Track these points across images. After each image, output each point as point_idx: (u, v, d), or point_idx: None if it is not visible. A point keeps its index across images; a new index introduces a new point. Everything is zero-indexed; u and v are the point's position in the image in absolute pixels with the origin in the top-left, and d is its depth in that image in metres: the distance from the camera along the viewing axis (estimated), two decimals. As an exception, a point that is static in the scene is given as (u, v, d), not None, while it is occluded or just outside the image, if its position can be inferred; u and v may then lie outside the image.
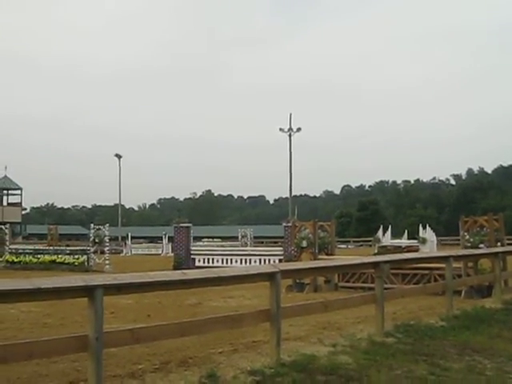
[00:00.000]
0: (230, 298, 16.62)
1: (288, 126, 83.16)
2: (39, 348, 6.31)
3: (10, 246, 37.39)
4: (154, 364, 8.44)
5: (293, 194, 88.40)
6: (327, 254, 21.97)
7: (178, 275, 7.88)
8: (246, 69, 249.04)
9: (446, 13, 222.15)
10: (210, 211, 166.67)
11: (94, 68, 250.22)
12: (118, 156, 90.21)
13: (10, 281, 6.18)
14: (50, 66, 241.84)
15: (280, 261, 26.48)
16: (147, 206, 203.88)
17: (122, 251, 58.60)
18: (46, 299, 6.56)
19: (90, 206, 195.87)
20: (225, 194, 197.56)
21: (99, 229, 34.26)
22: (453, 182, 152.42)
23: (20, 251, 36.44)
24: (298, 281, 19.61)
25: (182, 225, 32.05)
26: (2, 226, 38.11)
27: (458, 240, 21.39)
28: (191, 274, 8.10)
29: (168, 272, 9.75)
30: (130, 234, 62.77)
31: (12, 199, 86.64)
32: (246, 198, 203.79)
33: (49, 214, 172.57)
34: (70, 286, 6.33)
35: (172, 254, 38.74)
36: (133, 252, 58.31)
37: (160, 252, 57.43)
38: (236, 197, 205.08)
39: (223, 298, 16.49)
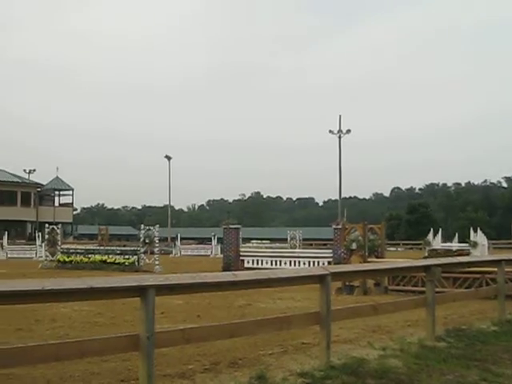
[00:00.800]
0: (279, 300, 16.59)
1: (338, 128, 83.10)
2: (92, 346, 6.37)
3: (62, 246, 37.87)
4: (204, 364, 8.46)
5: (342, 195, 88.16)
6: (377, 257, 21.85)
7: (228, 276, 7.89)
8: (293, 70, 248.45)
9: None
10: (258, 213, 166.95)
11: (145, 77, 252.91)
12: (168, 158, 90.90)
13: (65, 280, 6.26)
14: (103, 78, 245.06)
15: (329, 263, 26.40)
16: (196, 208, 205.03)
17: (171, 252, 58.90)
18: (99, 298, 6.64)
19: (139, 207, 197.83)
20: (274, 195, 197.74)
21: (149, 229, 34.48)
22: (505, 184, 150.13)
23: (71, 251, 36.84)
24: (347, 283, 19.51)
25: (231, 226, 32.08)
26: (54, 226, 38.64)
27: (510, 243, 21.11)
28: (241, 275, 8.11)
29: (219, 273, 9.77)
30: (179, 235, 63.06)
31: (64, 200, 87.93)
32: (294, 199, 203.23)
33: (99, 215, 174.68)
34: (123, 286, 6.39)
35: (221, 256, 38.88)
36: (182, 253, 58.54)
37: (209, 253, 57.61)
38: (285, 198, 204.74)
39: (272, 300, 16.47)
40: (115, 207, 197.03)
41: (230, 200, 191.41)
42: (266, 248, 42.22)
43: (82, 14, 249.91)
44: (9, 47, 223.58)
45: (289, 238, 55.59)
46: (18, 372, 7.62)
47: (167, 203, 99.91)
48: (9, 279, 7.65)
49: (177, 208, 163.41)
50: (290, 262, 30.10)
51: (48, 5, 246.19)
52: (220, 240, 48.21)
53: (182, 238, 63.77)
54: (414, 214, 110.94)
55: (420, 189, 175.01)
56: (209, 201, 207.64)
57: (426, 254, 31.43)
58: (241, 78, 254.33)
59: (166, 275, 7.21)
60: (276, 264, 30.35)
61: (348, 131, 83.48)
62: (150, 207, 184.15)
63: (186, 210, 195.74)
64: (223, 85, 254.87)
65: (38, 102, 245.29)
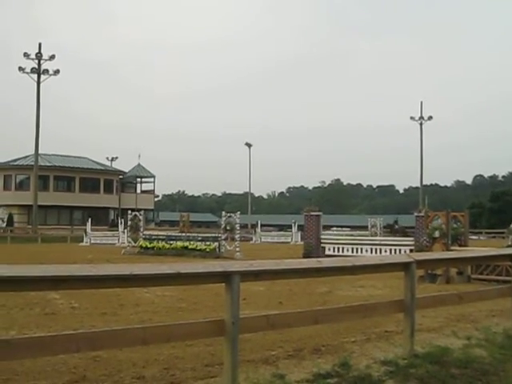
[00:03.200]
0: (360, 288, 16.47)
1: (419, 114, 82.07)
2: (177, 331, 6.45)
3: (144, 232, 38.42)
4: (287, 351, 8.47)
5: (423, 183, 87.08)
6: (460, 246, 21.44)
7: (312, 263, 7.87)
8: (373, 53, 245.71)
9: None
10: (338, 200, 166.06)
11: (230, 64, 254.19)
12: (248, 145, 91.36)
13: (151, 265, 6.34)
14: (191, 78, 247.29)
15: (411, 251, 26.04)
16: (276, 195, 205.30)
17: (251, 239, 59.08)
18: (185, 284, 6.72)
19: (219, 194, 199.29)
20: (354, 182, 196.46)
21: (230, 216, 34.65)
22: None
23: (153, 237, 37.34)
24: (429, 271, 19.24)
25: (312, 213, 31.96)
26: (137, 213, 39.21)
27: None
28: (326, 262, 8.09)
29: (303, 260, 9.77)
30: (259, 222, 63.26)
31: (145, 187, 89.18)
32: (375, 186, 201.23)
33: (180, 202, 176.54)
34: (209, 272, 6.44)
35: (301, 243, 38.79)
36: (262, 240, 58.66)
37: (289, 240, 57.62)
38: (365, 186, 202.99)
39: (354, 288, 16.36)
40: (196, 194, 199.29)
41: (310, 187, 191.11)
42: (347, 235, 41.90)
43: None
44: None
45: (369, 226, 55.22)
46: (105, 355, 7.76)
47: (247, 190, 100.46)
48: (96, 264, 7.77)
49: (257, 195, 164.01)
50: (371, 249, 29.83)
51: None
52: (300, 227, 48.20)
53: (262, 225, 63.94)
54: (496, 202, 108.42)
55: (503, 176, 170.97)
56: (289, 188, 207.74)
57: (510, 243, 30.79)
58: (319, 62, 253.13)
59: (250, 261, 7.22)
60: (357, 251, 30.12)
61: (429, 118, 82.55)
62: (229, 194, 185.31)
63: (265, 197, 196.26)
64: (302, 73, 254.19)
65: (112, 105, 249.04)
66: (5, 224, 70.25)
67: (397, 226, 63.83)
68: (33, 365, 7.22)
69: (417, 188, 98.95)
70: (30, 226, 68.15)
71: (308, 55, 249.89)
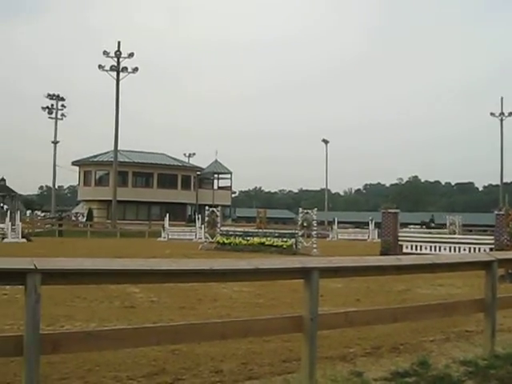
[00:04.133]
0: (439, 286, 16.22)
1: (499, 111, 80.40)
2: (256, 326, 6.49)
3: (221, 228, 38.64)
4: (365, 348, 8.43)
5: (504, 180, 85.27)
6: (543, 244, 20.97)
7: (392, 260, 7.82)
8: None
9: None
10: (416, 197, 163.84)
11: (296, 62, 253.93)
12: (325, 141, 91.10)
13: (230, 261, 6.40)
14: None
15: (490, 250, 25.58)
16: (353, 191, 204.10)
17: (328, 236, 58.85)
18: (264, 279, 6.75)
19: (296, 191, 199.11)
20: (432, 180, 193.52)
21: (307, 213, 34.60)
22: None
23: (230, 233, 37.51)
24: (510, 271, 18.84)
25: (390, 210, 31.70)
26: (214, 209, 39.48)
27: None
28: (405, 259, 8.03)
29: (382, 257, 9.72)
30: (336, 219, 62.98)
31: (222, 183, 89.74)
32: (453, 184, 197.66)
33: (256, 198, 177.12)
34: (288, 268, 6.46)
35: (378, 240, 38.48)
36: (339, 237, 58.41)
37: (366, 237, 57.23)
38: (443, 183, 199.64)
39: (432, 286, 16.12)
40: (272, 190, 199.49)
41: (387, 184, 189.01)
42: (424, 233, 41.35)
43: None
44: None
45: (448, 224, 54.32)
46: (184, 348, 7.85)
47: (324, 187, 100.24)
48: (176, 259, 7.88)
49: (333, 192, 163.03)
50: (450, 247, 29.45)
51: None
52: (377, 224, 47.80)
53: (338, 222, 63.65)
54: None
55: None
56: (365, 185, 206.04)
57: None
58: (389, 58, 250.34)
59: (329, 258, 7.22)
60: (435, 250, 29.76)
61: (510, 114, 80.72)
62: (306, 191, 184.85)
63: (342, 193, 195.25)
64: (369, 69, 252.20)
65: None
66: (85, 219, 71.65)
67: (433, 224, 62.95)
68: (113, 356, 7.34)
69: (497, 186, 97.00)
70: (109, 221, 69.32)
71: (378, 48, 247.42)
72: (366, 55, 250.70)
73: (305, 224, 34.06)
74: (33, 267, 4.99)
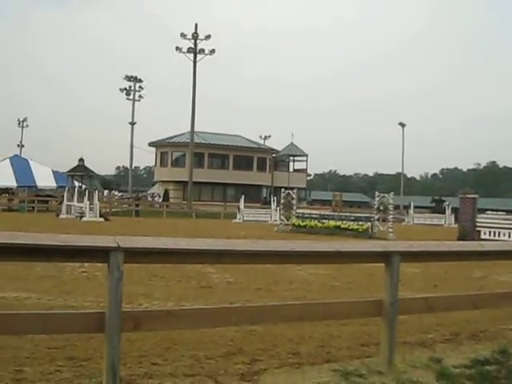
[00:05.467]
0: (518, 274, 15.90)
1: None
2: (335, 309, 6.48)
3: (297, 211, 38.59)
4: (444, 335, 8.32)
5: None
6: None
7: (474, 246, 7.68)
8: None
9: None
10: (493, 183, 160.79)
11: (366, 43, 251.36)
12: (402, 125, 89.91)
13: (311, 243, 6.39)
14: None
15: None
16: (429, 176, 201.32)
17: (403, 220, 58.24)
18: (344, 262, 6.72)
19: (371, 174, 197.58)
20: (510, 165, 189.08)
21: (384, 197, 34.30)
22: None
23: (306, 216, 37.41)
24: None
25: (468, 196, 31.17)
26: (290, 191, 39.45)
27: None
28: (488, 245, 7.87)
29: (464, 242, 9.52)
30: (412, 203, 62.22)
31: (298, 165, 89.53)
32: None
33: (331, 181, 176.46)
34: (368, 251, 6.41)
35: (455, 226, 37.87)
36: (415, 221, 57.74)
37: (442, 223, 56.41)
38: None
39: (511, 273, 15.80)
40: (347, 174, 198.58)
41: (464, 169, 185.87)
42: (503, 219, 40.51)
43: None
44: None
45: (526, 210, 53.23)
46: (261, 329, 7.87)
47: (400, 171, 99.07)
48: (257, 240, 7.89)
49: (409, 176, 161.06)
50: (530, 234, 28.82)
51: None
52: (454, 210, 47.05)
53: (414, 207, 62.88)
54: None
55: None
56: (442, 169, 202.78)
57: None
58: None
59: (409, 242, 7.10)
60: (515, 236, 29.19)
61: None
62: (381, 175, 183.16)
63: (418, 178, 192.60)
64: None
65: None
66: (161, 199, 72.49)
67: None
68: (191, 336, 7.42)
69: None
70: (184, 202, 69.90)
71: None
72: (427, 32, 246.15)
73: (381, 208, 33.78)
74: (116, 245, 5.05)
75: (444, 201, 65.19)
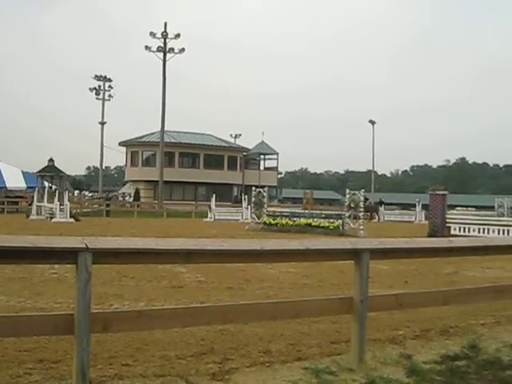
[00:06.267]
0: (487, 269, 16.01)
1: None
2: (306, 307, 6.48)
3: (268, 209, 38.58)
4: (414, 331, 8.36)
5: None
6: None
7: (444, 242, 7.73)
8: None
9: None
10: (463, 179, 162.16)
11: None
12: (372, 122, 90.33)
13: (281, 241, 6.37)
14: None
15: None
16: (400, 173, 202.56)
17: (374, 217, 58.58)
18: (314, 260, 6.72)
19: (342, 172, 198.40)
20: (479, 161, 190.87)
21: (354, 194, 34.39)
22: None
23: (277, 214, 37.40)
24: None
25: (437, 192, 31.42)
26: (261, 189, 39.42)
27: None
28: (457, 241, 7.93)
29: (434, 239, 9.57)
30: (382, 200, 62.59)
31: (269, 164, 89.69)
32: (502, 166, 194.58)
33: (302, 179, 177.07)
34: (338, 249, 6.42)
35: (425, 222, 38.12)
36: (385, 218, 58.09)
37: (413, 219, 56.75)
38: (491, 165, 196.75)
39: (481, 269, 15.91)
40: (318, 172, 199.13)
41: (434, 166, 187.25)
42: (472, 215, 40.86)
43: None
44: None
45: (496, 206, 53.59)
46: (231, 329, 7.87)
47: (370, 168, 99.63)
48: (227, 239, 7.89)
49: (380, 173, 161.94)
50: (499, 230, 29.09)
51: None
52: (424, 206, 47.37)
53: (385, 204, 63.21)
54: None
55: None
56: (412, 166, 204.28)
57: None
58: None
59: (380, 239, 7.17)
60: (483, 232, 29.51)
61: None
62: (352, 172, 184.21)
63: (388, 175, 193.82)
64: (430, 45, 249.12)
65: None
66: (132, 199, 72.27)
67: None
68: (162, 336, 7.41)
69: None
70: (155, 201, 69.76)
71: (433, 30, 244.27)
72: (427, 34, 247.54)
73: (352, 205, 33.87)
74: (84, 246, 5.02)
75: (383, 202, 65.56)
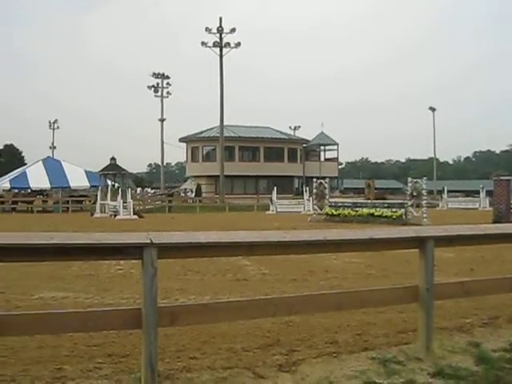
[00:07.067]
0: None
1: None
2: (371, 297, 6.45)
3: (330, 200, 38.44)
4: (482, 318, 8.25)
5: None
6: None
7: (510, 228, 7.60)
8: None
9: None
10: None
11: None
12: (432, 109, 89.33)
13: (344, 231, 6.37)
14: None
15: None
16: (462, 160, 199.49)
17: (437, 205, 57.75)
18: (378, 249, 6.69)
19: (403, 160, 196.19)
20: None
21: (416, 182, 33.99)
22: None
23: (339, 204, 37.27)
24: None
25: (502, 178, 30.90)
26: (322, 181, 39.28)
27: None
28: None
29: (499, 225, 9.43)
30: (445, 188, 61.75)
31: (329, 155, 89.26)
32: None
33: (363, 169, 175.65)
34: (402, 237, 6.37)
35: (489, 209, 37.51)
36: (449, 206, 57.27)
37: (477, 206, 55.82)
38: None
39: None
40: (379, 161, 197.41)
41: (498, 151, 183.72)
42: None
43: None
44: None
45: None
46: (297, 320, 7.89)
47: (432, 156, 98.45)
48: (289, 230, 7.90)
49: (441, 160, 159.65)
50: None
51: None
52: (488, 193, 46.61)
53: (447, 191, 62.37)
54: None
55: None
56: (475, 152, 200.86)
57: None
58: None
59: (444, 226, 7.10)
60: (551, 217, 28.90)
61: None
62: (413, 160, 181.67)
63: (451, 162, 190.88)
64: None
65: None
66: (193, 194, 72.81)
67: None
68: (228, 328, 7.46)
69: None
70: (217, 196, 70.11)
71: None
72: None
73: (414, 194, 33.47)
74: (149, 242, 5.08)
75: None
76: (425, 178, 34.85)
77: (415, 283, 6.49)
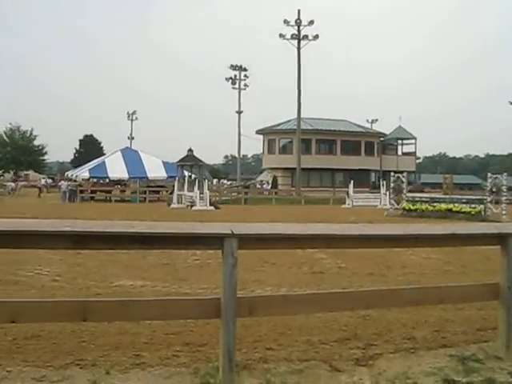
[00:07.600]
0: None
1: None
2: (450, 293, 6.38)
3: (407, 194, 38.04)
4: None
5: None
6: None
7: None
8: None
9: None
10: None
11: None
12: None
13: (424, 226, 6.31)
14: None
15: None
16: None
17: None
18: (459, 245, 6.63)
19: (482, 156, 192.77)
20: None
21: (496, 178, 33.33)
22: None
23: (416, 199, 36.82)
24: None
25: None
26: (400, 175, 38.89)
27: None
28: None
29: None
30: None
31: (406, 149, 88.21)
32: None
33: (441, 164, 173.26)
34: (483, 233, 6.28)
35: None
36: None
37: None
38: None
39: None
40: (457, 156, 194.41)
41: None
42: None
43: None
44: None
45: None
46: (374, 314, 7.87)
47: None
48: (368, 224, 7.87)
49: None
50: None
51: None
52: None
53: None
54: None
55: None
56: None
57: None
58: None
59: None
60: None
61: None
62: (493, 156, 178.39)
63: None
64: None
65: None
66: (269, 186, 72.92)
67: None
68: (305, 321, 7.47)
69: None
70: (293, 188, 70.10)
71: None
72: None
73: (494, 189, 32.83)
74: (230, 232, 5.13)
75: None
76: (505, 173, 34.13)
77: (496, 280, 6.39)
